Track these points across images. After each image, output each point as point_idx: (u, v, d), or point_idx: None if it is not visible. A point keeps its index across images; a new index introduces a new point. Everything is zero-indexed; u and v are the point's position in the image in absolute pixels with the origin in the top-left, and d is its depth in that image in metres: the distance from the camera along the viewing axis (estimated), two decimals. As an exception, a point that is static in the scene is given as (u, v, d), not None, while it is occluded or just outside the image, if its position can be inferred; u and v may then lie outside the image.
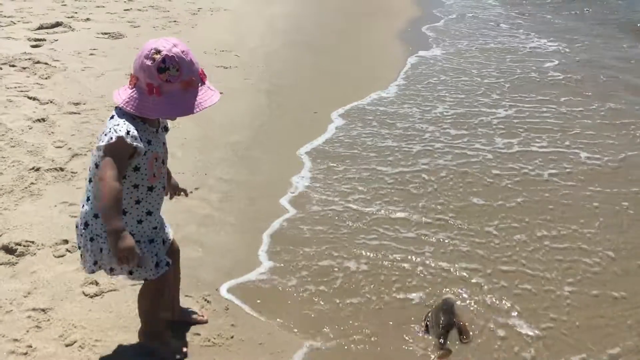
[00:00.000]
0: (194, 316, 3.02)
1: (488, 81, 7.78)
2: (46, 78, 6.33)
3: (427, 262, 3.77)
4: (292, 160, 5.15)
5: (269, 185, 4.68)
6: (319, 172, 4.95)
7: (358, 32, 10.23)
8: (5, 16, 8.44)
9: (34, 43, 7.44)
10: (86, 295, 3.06)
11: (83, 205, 2.47)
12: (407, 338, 3.10)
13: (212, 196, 4.38)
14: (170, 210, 4.02)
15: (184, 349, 2.80)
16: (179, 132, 5.39)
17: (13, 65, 6.51)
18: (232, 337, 2.95)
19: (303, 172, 4.94)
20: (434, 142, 5.74)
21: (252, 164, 5.02)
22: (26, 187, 4.11)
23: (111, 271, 2.48)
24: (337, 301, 3.35)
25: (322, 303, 3.33)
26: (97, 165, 2.37)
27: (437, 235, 4.09)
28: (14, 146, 4.70)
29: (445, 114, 6.52)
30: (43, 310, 2.99)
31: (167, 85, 2.30)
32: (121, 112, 2.37)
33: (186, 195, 2.91)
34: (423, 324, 3.18)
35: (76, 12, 9.17)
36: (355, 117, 6.24)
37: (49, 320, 2.93)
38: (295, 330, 3.09)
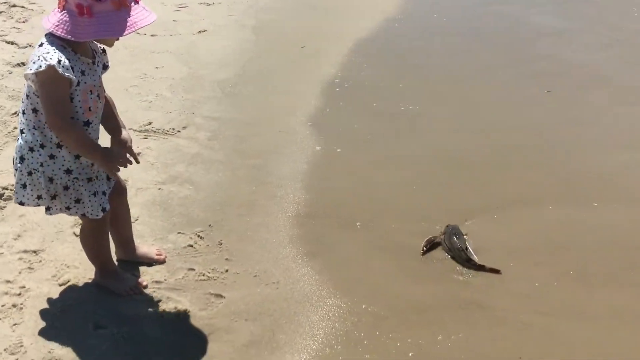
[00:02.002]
0: (152, 255, 2.96)
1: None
2: (23, 22, 6.13)
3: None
4: (280, 97, 5.04)
5: (258, 123, 4.59)
6: (314, 108, 4.87)
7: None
8: (-24, -41, 8.09)
9: (9, -14, 7.16)
10: (77, 235, 3.02)
11: (18, 139, 2.38)
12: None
13: (200, 135, 4.30)
14: (157, 149, 4.03)
15: (143, 284, 2.77)
16: (166, 73, 5.30)
17: (-12, 10, 6.29)
18: (226, 271, 2.94)
19: (295, 108, 4.85)
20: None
21: (239, 102, 4.92)
22: (9, 132, 4.01)
23: (47, 210, 2.45)
24: (334, 231, 3.35)
25: (315, 234, 3.32)
26: (27, 96, 2.31)
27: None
28: (-6, 91, 4.58)
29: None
30: (34, 251, 2.96)
31: (98, 4, 2.17)
32: (51, 40, 2.25)
33: (137, 161, 2.53)
34: (424, 247, 3.19)
35: (50, -47, 8.82)
36: (348, 51, 6.09)
37: (40, 261, 2.91)
38: (290, 262, 3.08)
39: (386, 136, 4.48)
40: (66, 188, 2.40)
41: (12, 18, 6.20)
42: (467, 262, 3.07)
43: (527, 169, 4.06)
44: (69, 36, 2.21)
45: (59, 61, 2.18)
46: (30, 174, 2.36)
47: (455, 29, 6.93)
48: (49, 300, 2.67)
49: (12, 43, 5.51)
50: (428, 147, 4.34)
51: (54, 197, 2.41)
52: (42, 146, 2.34)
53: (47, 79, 2.19)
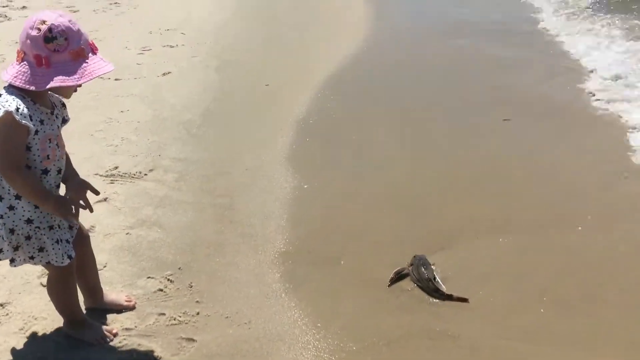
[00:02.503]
0: (121, 302, 2.94)
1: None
2: (-16, 70, 6.10)
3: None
4: (246, 135, 5.09)
5: (225, 162, 4.62)
6: (280, 145, 4.92)
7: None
8: None
9: (-31, 35, 7.15)
10: (44, 286, 2.98)
11: None
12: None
13: (167, 177, 4.31)
14: (125, 194, 4.02)
15: (113, 332, 2.75)
16: (131, 116, 5.31)
17: (-52, 60, 6.26)
18: (197, 314, 2.93)
19: (261, 145, 4.90)
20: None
21: (205, 142, 4.95)
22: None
23: (12, 262, 2.44)
24: (304, 267, 3.37)
25: (285, 270, 3.34)
26: None
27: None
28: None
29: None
30: (0, 305, 2.91)
31: (56, 55, 2.23)
32: (10, 90, 2.29)
33: (90, 210, 2.50)
34: (391, 279, 3.23)
35: (11, 1, 8.84)
36: (312, 88, 6.18)
37: (7, 314, 2.86)
38: (262, 301, 3.08)
39: (354, 170, 4.55)
40: (28, 238, 2.39)
41: (-27, 67, 6.18)
42: (435, 292, 3.12)
43: (491, 196, 4.16)
44: (28, 86, 2.24)
45: (17, 109, 2.21)
46: None
47: (417, 62, 7.13)
48: (17, 354, 2.63)
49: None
50: (395, 178, 4.42)
51: (16, 249, 2.39)
52: (0, 198, 2.34)
53: (4, 126, 2.21)
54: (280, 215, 3.90)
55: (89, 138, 4.82)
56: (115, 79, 6.11)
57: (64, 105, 2.56)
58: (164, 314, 2.92)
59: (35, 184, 2.32)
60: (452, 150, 4.87)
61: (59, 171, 2.47)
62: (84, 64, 2.27)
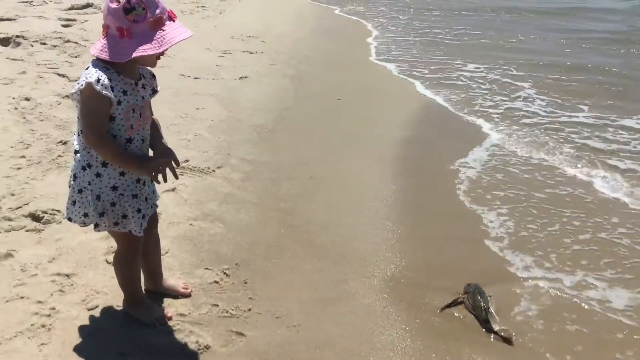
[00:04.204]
0: (178, 288, 3.03)
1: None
2: (76, 57, 6.45)
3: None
4: (314, 146, 5.16)
5: (291, 168, 4.70)
6: (345, 158, 4.96)
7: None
8: (38, -4, 8.59)
9: (65, 23, 7.59)
10: (109, 263, 3.12)
11: (74, 158, 2.52)
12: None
13: (234, 175, 4.42)
14: (192, 186, 4.15)
15: (168, 315, 2.83)
16: (206, 114, 5.48)
17: (44, 43, 6.65)
18: (249, 310, 2.98)
19: (327, 157, 4.95)
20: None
21: (275, 147, 5.05)
22: (53, 159, 4.19)
23: (96, 227, 2.54)
24: (357, 280, 3.37)
25: (337, 280, 3.35)
26: (78, 118, 2.45)
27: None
28: (42, 120, 4.79)
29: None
30: (67, 275, 3.05)
31: (136, 25, 2.32)
32: (96, 63, 2.40)
33: (177, 164, 2.57)
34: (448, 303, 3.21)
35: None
36: (388, 113, 6.22)
37: (72, 285, 2.99)
38: (313, 306, 3.10)
39: (417, 194, 4.53)
40: (113, 204, 2.51)
41: (65, 52, 6.54)
42: (485, 322, 3.06)
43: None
44: (113, 59, 2.36)
45: (98, 80, 2.33)
46: (80, 191, 2.47)
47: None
48: (77, 324, 2.74)
49: (64, 76, 5.80)
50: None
51: (102, 214, 2.51)
52: (89, 165, 2.47)
53: (86, 97, 2.35)
54: (339, 226, 3.92)
55: (165, 130, 4.84)
56: (195, 78, 6.33)
57: (153, 76, 2.66)
58: (217, 305, 2.98)
59: (117, 149, 2.42)
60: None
61: (143, 140, 2.56)
62: (163, 32, 2.36)
